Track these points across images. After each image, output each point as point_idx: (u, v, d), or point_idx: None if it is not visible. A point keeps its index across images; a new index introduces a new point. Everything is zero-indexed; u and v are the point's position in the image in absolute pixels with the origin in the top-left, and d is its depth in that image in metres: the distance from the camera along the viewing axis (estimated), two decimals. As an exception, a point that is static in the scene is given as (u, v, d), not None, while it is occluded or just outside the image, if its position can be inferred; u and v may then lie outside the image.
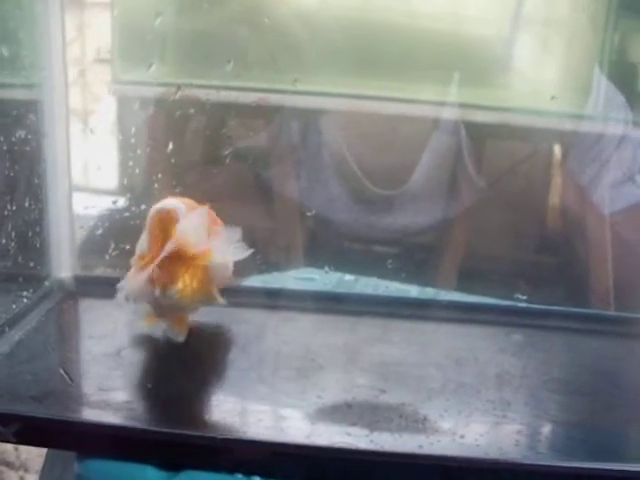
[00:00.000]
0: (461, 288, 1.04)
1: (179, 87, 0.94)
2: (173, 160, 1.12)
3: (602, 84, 1.13)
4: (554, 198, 1.30)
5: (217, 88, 1.04)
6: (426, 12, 1.26)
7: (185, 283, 0.68)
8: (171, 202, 0.70)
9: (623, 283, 1.03)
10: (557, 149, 1.27)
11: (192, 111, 1.08)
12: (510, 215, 1.31)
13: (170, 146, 1.13)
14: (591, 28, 1.21)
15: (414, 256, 1.21)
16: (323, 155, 1.28)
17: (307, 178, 1.30)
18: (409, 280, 0.97)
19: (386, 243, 1.26)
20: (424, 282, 1.02)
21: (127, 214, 0.92)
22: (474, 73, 1.20)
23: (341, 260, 1.03)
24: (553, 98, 1.10)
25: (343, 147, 1.26)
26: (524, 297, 0.86)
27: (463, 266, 1.25)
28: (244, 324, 0.78)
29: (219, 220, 0.75)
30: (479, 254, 1.30)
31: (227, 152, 1.19)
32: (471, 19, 1.26)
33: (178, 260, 0.68)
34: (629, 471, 0.61)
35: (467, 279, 1.18)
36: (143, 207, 0.91)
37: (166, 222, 0.69)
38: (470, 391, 0.69)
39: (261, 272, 0.91)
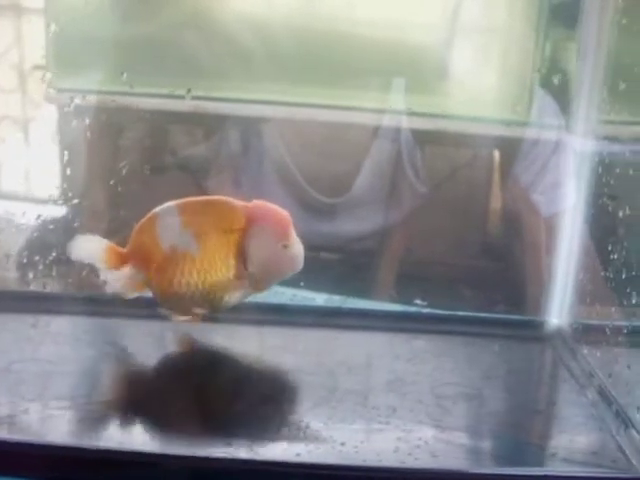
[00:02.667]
0: (398, 294, 1.04)
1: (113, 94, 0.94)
2: (109, 169, 1.12)
3: (537, 91, 1.14)
4: (494, 202, 1.31)
5: (154, 96, 1.04)
6: (368, 20, 1.26)
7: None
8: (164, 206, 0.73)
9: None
10: (496, 155, 1.28)
11: (129, 119, 1.08)
12: (450, 220, 1.31)
13: (106, 155, 1.13)
14: (527, 36, 1.22)
15: (356, 262, 1.21)
16: (265, 163, 1.28)
17: (249, 186, 1.30)
18: (348, 287, 0.97)
19: (329, 250, 1.27)
20: (361, 288, 1.02)
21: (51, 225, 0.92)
22: (415, 80, 1.21)
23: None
24: (491, 105, 1.11)
25: (285, 155, 1.26)
26: (425, 303, 0.87)
27: (402, 272, 1.25)
28: (143, 336, 0.79)
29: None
30: (418, 259, 1.30)
31: (166, 161, 1.19)
32: (412, 27, 1.26)
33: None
34: (506, 475, 0.62)
35: (405, 284, 1.19)
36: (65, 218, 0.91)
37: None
38: (357, 398, 0.69)
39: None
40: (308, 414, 0.67)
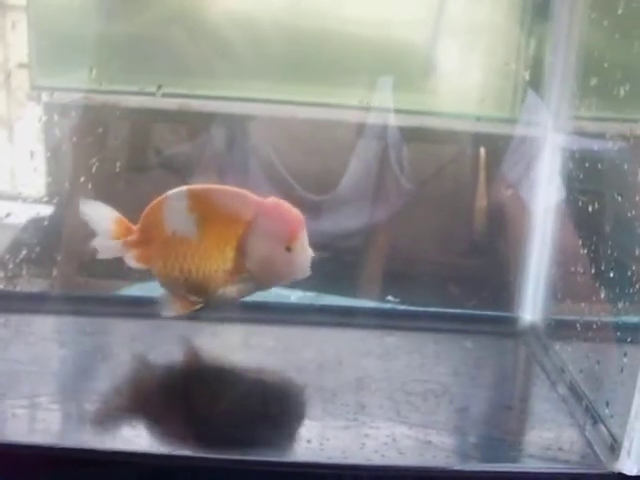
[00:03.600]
0: (384, 291, 1.04)
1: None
2: (94, 168, 1.11)
3: (524, 88, 1.14)
4: (480, 200, 1.31)
5: (142, 94, 1.04)
6: (355, 17, 1.26)
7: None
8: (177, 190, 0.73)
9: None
10: (482, 152, 1.28)
11: (114, 118, 1.07)
12: (435, 217, 1.31)
13: (88, 154, 1.12)
14: (512, 32, 1.21)
15: (342, 260, 1.21)
16: (251, 161, 1.27)
17: (235, 184, 1.29)
18: (334, 285, 0.96)
19: (315, 248, 1.26)
20: (348, 286, 1.02)
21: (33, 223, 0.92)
22: (401, 78, 1.20)
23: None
24: (479, 102, 1.10)
25: (271, 153, 1.26)
26: (397, 300, 0.86)
27: (388, 269, 1.25)
28: (105, 334, 0.78)
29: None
30: (404, 257, 1.30)
31: (150, 160, 1.18)
32: (398, 24, 1.26)
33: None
34: (472, 471, 0.61)
35: (391, 282, 1.18)
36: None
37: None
38: (326, 395, 0.69)
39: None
40: (276, 411, 0.67)
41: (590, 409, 0.68)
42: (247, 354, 0.76)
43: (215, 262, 0.71)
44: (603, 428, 0.65)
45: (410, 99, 1.22)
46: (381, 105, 1.16)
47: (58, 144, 1.09)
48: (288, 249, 0.70)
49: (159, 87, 0.90)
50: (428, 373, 0.74)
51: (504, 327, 0.83)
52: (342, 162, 1.23)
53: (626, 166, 0.65)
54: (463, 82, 1.24)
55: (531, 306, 0.82)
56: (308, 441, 0.62)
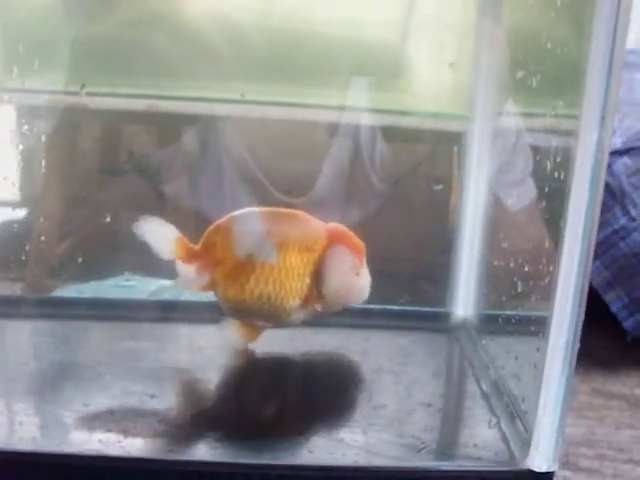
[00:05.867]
0: None
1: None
2: (61, 172, 1.10)
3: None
4: (454, 198, 1.30)
5: (112, 96, 1.03)
6: (327, 17, 1.25)
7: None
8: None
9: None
10: (455, 150, 1.27)
11: (83, 120, 1.07)
12: (411, 216, 1.30)
13: (59, 157, 1.11)
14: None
15: None
16: (225, 163, 1.27)
17: (209, 187, 1.28)
18: None
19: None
20: None
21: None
22: (373, 77, 1.20)
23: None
24: (450, 100, 1.09)
25: (245, 154, 1.25)
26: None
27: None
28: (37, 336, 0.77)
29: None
30: (379, 256, 1.29)
31: (122, 163, 1.17)
32: (370, 24, 1.25)
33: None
34: (378, 469, 0.61)
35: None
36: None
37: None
38: (244, 393, 0.69)
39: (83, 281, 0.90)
40: (189, 410, 0.66)
41: (509, 405, 0.67)
42: (171, 353, 0.75)
43: (294, 288, 0.70)
44: (520, 424, 0.64)
45: (383, 98, 1.21)
46: (354, 104, 1.15)
47: (27, 146, 1.09)
48: (357, 274, 0.72)
49: (82, 86, 0.88)
50: (351, 370, 0.74)
51: (436, 323, 0.82)
52: (317, 163, 1.23)
53: (540, 159, 0.64)
54: (436, 80, 1.23)
55: (463, 301, 0.82)
56: (217, 440, 0.62)
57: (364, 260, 0.72)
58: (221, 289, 0.71)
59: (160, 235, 0.71)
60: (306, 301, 0.71)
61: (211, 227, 0.72)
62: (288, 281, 0.70)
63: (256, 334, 0.73)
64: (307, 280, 0.70)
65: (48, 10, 1.02)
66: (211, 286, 0.71)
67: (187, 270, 0.71)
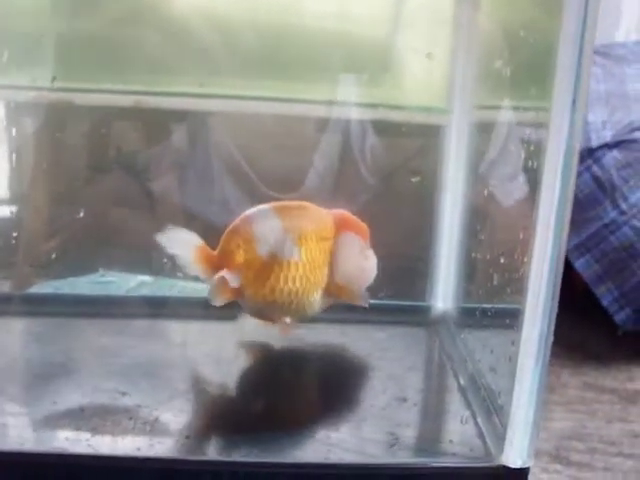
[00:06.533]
0: None
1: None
2: (50, 167, 1.09)
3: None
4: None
5: (97, 92, 1.02)
6: (316, 12, 1.24)
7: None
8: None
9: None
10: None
11: (69, 116, 1.06)
12: (402, 211, 1.29)
13: (45, 154, 1.10)
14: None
15: None
16: (214, 159, 1.26)
17: (198, 183, 1.27)
18: None
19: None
20: None
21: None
22: (363, 71, 1.19)
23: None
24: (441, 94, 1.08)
25: (234, 150, 1.24)
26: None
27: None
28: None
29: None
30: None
31: (109, 160, 1.16)
32: (360, 18, 1.24)
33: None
34: (350, 465, 0.60)
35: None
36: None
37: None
38: (217, 390, 0.68)
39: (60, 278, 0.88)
40: (161, 407, 0.64)
41: (486, 400, 0.66)
42: (145, 349, 0.74)
43: (317, 280, 0.70)
44: (496, 419, 0.63)
45: (373, 93, 1.20)
46: (344, 99, 1.14)
47: (13, 143, 1.08)
48: (366, 257, 0.72)
49: (53, 78, 0.87)
50: (329, 366, 0.73)
51: (416, 316, 0.81)
52: (306, 159, 1.22)
53: (515, 153, 0.63)
54: (427, 74, 1.22)
55: (442, 294, 0.80)
56: (187, 437, 0.61)
57: (368, 242, 0.73)
58: (250, 292, 0.69)
59: (180, 243, 0.69)
60: (326, 291, 0.71)
61: (228, 231, 0.70)
62: (312, 274, 0.70)
63: (288, 331, 0.72)
64: (325, 270, 0.70)
65: (31, 6, 1.01)
66: (240, 292, 0.69)
67: (214, 281, 0.69)
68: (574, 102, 0.51)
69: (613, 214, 1.71)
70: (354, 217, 0.72)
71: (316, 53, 1.15)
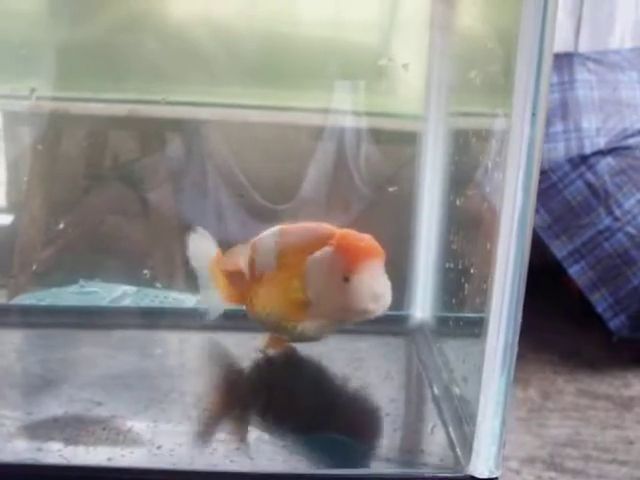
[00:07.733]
0: None
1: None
2: (47, 177, 1.10)
3: None
4: None
5: (94, 101, 1.03)
6: (310, 20, 1.25)
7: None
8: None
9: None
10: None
11: (65, 126, 1.07)
12: (396, 219, 1.29)
13: (42, 164, 1.11)
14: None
15: None
16: (209, 169, 1.26)
17: (192, 193, 1.28)
18: None
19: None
20: None
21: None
22: (356, 79, 1.19)
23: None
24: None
25: (229, 159, 1.24)
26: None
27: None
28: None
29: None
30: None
31: (106, 170, 1.17)
32: (353, 26, 1.25)
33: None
34: (322, 476, 0.60)
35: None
36: None
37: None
38: (192, 400, 0.68)
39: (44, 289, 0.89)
40: (135, 417, 0.65)
41: (458, 409, 0.66)
42: (119, 360, 0.74)
43: (287, 295, 0.68)
44: (467, 429, 0.63)
45: (366, 100, 1.21)
46: (337, 107, 1.14)
47: (9, 153, 1.08)
48: (346, 279, 0.65)
49: (32, 90, 0.88)
50: (304, 377, 0.73)
51: (395, 326, 0.81)
52: (302, 167, 1.22)
53: (486, 163, 0.63)
54: (420, 82, 1.22)
55: (421, 303, 0.81)
56: (159, 447, 0.61)
57: (362, 266, 0.65)
58: (246, 303, 0.73)
59: (200, 248, 0.73)
60: (301, 309, 0.68)
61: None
62: (284, 288, 0.68)
63: (280, 345, 0.73)
64: (297, 284, 0.68)
65: (27, 15, 1.02)
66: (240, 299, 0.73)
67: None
68: (533, 114, 0.52)
69: (607, 221, 1.71)
70: (354, 237, 0.67)
71: (307, 59, 1.16)
